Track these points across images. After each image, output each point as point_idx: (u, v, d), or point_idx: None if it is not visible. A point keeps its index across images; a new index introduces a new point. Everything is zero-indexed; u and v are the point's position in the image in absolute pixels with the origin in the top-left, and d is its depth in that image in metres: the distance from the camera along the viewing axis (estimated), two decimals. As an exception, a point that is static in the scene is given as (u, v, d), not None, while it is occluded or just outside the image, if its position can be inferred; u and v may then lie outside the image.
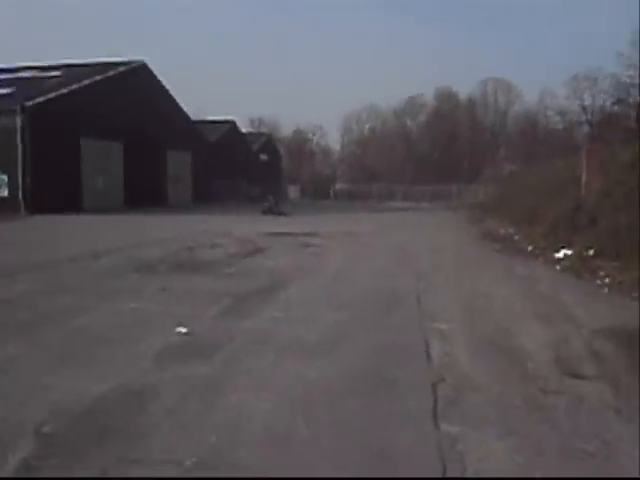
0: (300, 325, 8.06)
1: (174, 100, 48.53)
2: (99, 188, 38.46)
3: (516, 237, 21.43)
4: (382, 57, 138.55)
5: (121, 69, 42.18)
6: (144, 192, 42.61)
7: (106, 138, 38.88)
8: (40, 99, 33.52)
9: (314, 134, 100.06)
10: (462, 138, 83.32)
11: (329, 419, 4.95)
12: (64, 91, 35.94)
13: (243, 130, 73.79)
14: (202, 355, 6.65)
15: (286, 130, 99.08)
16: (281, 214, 34.60)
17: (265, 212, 35.32)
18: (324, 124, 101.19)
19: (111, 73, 40.89)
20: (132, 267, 13.04)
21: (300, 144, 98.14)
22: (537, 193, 27.16)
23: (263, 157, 72.93)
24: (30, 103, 32.72)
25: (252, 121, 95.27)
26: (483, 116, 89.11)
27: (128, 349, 6.86)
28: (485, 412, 5.16)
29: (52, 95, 34.62)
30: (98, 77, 39.50)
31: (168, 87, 47.49)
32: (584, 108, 72.92)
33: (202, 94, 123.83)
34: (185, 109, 50.80)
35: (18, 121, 32.19)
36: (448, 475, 4.10)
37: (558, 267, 14.52)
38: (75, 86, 37.14)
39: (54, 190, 33.46)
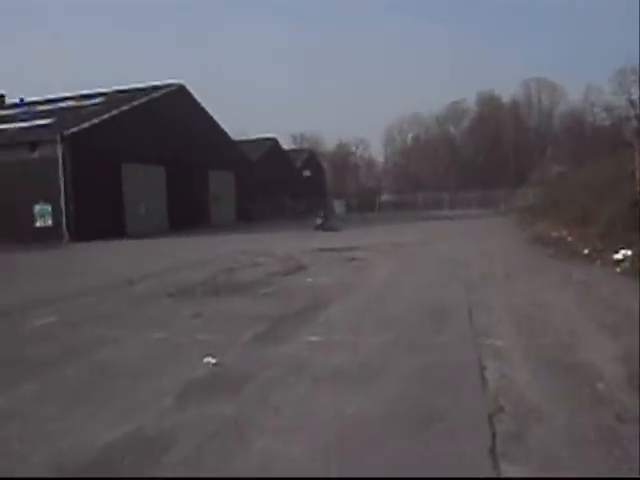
0: (339, 350, 7.36)
1: (214, 120, 48.49)
2: (141, 213, 38.42)
3: (569, 239, 20.37)
4: (422, 65, 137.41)
5: (159, 93, 42.28)
6: (187, 214, 42.50)
7: (147, 162, 38.86)
8: (79, 127, 33.61)
9: (357, 147, 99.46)
10: (507, 141, 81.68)
11: (368, 467, 4.23)
12: (103, 118, 36.06)
13: (285, 147, 73.62)
14: (229, 390, 6.00)
15: (328, 145, 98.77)
16: (332, 229, 33.63)
17: (317, 228, 34.45)
18: (366, 136, 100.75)
19: (149, 97, 41.01)
20: (167, 292, 12.50)
21: (343, 158, 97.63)
22: (588, 192, 26.00)
23: (306, 173, 72.50)
24: (69, 132, 32.81)
25: (294, 138, 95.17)
26: (527, 117, 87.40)
27: (150, 385, 6.25)
28: (553, 449, 4.37)
29: (91, 122, 34.72)
30: (136, 102, 39.63)
31: (208, 108, 47.55)
32: (632, 102, 70.81)
33: (243, 113, 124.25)
34: (226, 129, 50.78)
35: (58, 150, 32.32)
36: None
37: (618, 269, 13.54)
38: (114, 112, 37.30)
39: (97, 217, 33.47)
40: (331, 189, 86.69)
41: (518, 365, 6.44)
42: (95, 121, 35.33)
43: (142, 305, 11.26)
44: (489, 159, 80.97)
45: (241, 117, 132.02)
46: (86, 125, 34.29)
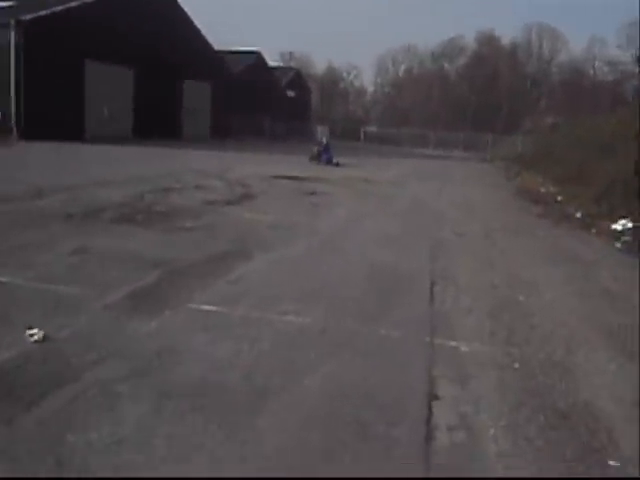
0: (233, 334, 5.07)
1: (194, 25, 44.77)
2: (104, 116, 35.32)
3: (559, 198, 18.19)
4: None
5: (137, -13, 38.62)
6: (156, 123, 39.33)
7: (115, 62, 35.55)
8: (37, 14, 30.13)
9: (349, 73, 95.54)
10: (502, 85, 78.36)
11: None
12: (68, 6, 32.55)
13: (271, 64, 69.67)
14: (26, 396, 3.70)
15: (319, 68, 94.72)
16: (330, 162, 27.10)
17: (312, 159, 27.73)
18: (359, 64, 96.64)
19: (125, -10, 37.37)
20: (67, 212, 10.06)
21: (333, 83, 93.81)
22: (586, 149, 23.74)
23: (290, 93, 68.81)
24: (26, 17, 29.36)
25: (283, 55, 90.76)
26: (525, 63, 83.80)
27: None
28: None
29: (52, 10, 31.18)
30: (110, -7, 36.06)
31: (190, 12, 43.86)
32: (638, 59, 67.62)
33: (230, 25, 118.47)
34: (210, 39, 47.17)
35: (12, 37, 28.99)
36: None
37: (618, 244, 11.35)
38: (81, 1, 33.72)
39: (52, 116, 30.19)
40: (317, 114, 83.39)
41: (494, 397, 4.22)
42: (58, 9, 31.82)
43: (23, 228, 8.81)
44: (482, 101, 77.68)
45: (228, 29, 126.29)
46: (47, 12, 30.78)
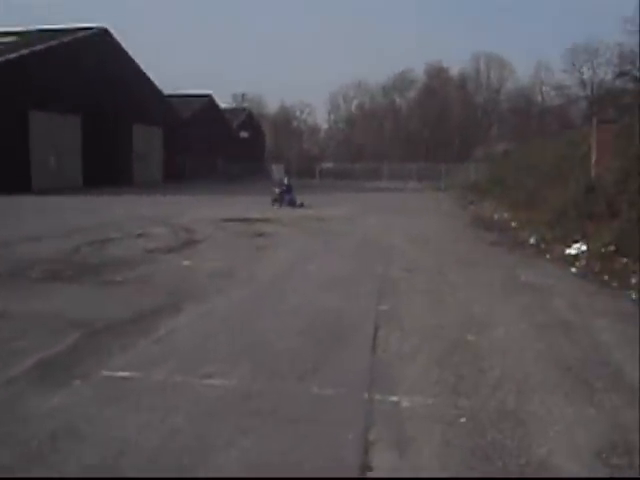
0: (146, 406, 4.49)
1: (140, 70, 44.44)
2: (51, 166, 34.58)
3: (513, 224, 17.97)
4: (370, 31, 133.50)
5: (79, 35, 38.18)
6: (105, 170, 38.73)
7: (61, 111, 34.94)
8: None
9: (302, 111, 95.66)
10: (453, 116, 79.07)
11: None
12: (9, 57, 31.98)
13: (223, 106, 69.45)
14: None
15: (271, 107, 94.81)
16: (293, 204, 25.03)
17: (275, 201, 25.44)
18: (311, 102, 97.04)
19: (68, 39, 36.91)
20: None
21: (286, 122, 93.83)
22: (535, 173, 23.70)
23: (243, 134, 68.68)
24: (-35, 68, 28.74)
25: (235, 97, 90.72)
26: (475, 93, 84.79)
27: None
28: None
29: (-4, 61, 30.58)
30: (53, 43, 35.56)
31: (136, 58, 43.52)
32: (583, 82, 68.96)
33: (179, 69, 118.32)
34: (159, 85, 46.79)
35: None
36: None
37: (573, 269, 11.01)
38: (24, 51, 33.18)
39: (-5, 168, 29.49)
40: (272, 153, 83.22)
41: (434, 472, 3.71)
42: (1, 59, 31.26)
43: None
44: (435, 133, 78.20)
45: (179, 74, 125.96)
46: (-12, 63, 30.21)
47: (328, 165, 74.40)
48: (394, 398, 4.72)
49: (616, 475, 3.47)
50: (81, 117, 36.98)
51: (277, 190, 25.82)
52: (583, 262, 11.46)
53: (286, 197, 25.41)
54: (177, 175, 48.04)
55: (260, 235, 15.03)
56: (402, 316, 7.26)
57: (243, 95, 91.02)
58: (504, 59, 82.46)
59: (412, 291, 8.82)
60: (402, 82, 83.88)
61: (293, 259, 11.67)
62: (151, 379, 5.03)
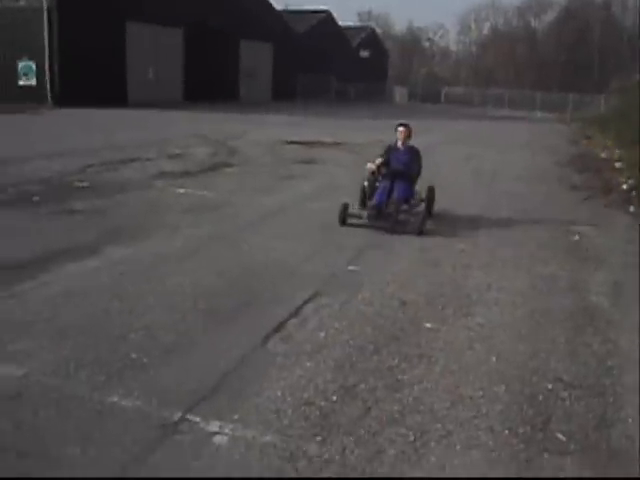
0: None
1: (252, -18, 42.56)
2: (150, 80, 33.84)
3: (617, 165, 15.43)
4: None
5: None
6: (209, 86, 37.51)
7: (161, 23, 33.85)
8: (71, -29, 28.69)
9: (435, 33, 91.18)
10: (594, 41, 72.74)
11: None
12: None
13: (346, 24, 66.48)
14: None
15: (399, 27, 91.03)
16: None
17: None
18: (443, 22, 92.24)
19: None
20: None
21: (414, 43, 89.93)
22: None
23: (364, 53, 65.63)
24: (58, -24, 27.96)
25: (361, 15, 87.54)
26: (620, 18, 77.43)
27: None
28: None
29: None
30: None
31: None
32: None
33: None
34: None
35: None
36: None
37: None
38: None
39: (90, 80, 28.76)
40: (397, 75, 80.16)
41: None
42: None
43: None
44: (571, 59, 72.36)
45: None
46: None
47: (455, 90, 70.79)
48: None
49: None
50: (183, 30, 35.81)
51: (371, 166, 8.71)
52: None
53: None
54: (288, 94, 46.48)
55: (307, 162, 13.45)
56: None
57: (369, 13, 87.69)
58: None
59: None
60: (539, 3, 77.73)
61: (310, 194, 10.00)
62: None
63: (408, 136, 8.34)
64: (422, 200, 8.36)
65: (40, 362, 3.77)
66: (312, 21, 54.00)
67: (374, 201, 7.82)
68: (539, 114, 49.89)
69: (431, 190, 8.52)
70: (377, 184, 8.09)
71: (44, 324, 4.32)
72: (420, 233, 7.46)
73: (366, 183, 8.29)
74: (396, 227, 7.58)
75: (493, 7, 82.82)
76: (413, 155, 8.28)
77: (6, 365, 3.72)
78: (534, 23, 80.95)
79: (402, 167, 8.06)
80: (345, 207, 7.78)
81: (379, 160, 8.11)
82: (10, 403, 3.29)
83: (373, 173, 8.14)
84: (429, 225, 7.88)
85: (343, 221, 7.69)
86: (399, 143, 8.35)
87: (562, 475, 3.01)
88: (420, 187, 8.41)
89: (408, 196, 8.05)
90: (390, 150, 8.34)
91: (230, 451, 2.98)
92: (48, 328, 4.26)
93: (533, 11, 79.51)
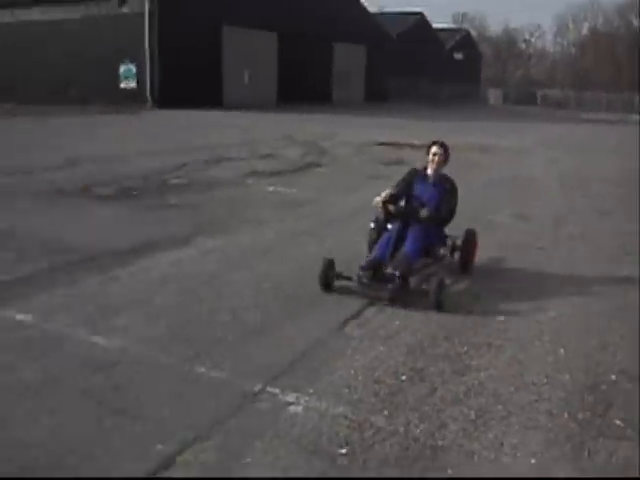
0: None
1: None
2: (244, 83, 34.76)
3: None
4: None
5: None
6: (303, 89, 38.22)
7: (256, 27, 34.67)
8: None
9: (531, 33, 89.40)
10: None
11: None
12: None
13: (440, 26, 66.20)
14: None
15: (494, 29, 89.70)
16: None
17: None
18: (539, 23, 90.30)
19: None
20: (56, 189, 9.16)
21: (510, 44, 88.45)
22: None
23: (457, 56, 65.30)
24: (158, -17, 29.18)
25: (455, 17, 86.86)
26: None
27: None
28: None
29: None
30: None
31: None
32: None
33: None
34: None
35: (146, 4, 28.91)
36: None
37: None
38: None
39: (188, 83, 29.98)
40: (491, 77, 79.16)
41: None
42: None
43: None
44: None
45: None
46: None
47: (550, 92, 69.27)
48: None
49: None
50: (277, 34, 36.54)
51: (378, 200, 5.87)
52: None
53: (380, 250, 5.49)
54: (380, 96, 46.71)
55: (395, 163, 13.61)
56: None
57: (463, 15, 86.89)
58: None
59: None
60: (642, 1, 74.95)
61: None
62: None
63: (444, 161, 5.84)
64: (455, 249, 5.91)
65: (136, 337, 4.19)
66: (406, 23, 54.15)
67: (372, 255, 5.36)
68: (637, 117, 48.09)
69: (470, 235, 5.99)
70: (389, 226, 5.61)
71: (141, 304, 4.77)
72: (439, 307, 4.93)
73: (372, 225, 5.88)
74: (400, 296, 5.01)
75: (592, 7, 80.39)
76: (446, 189, 5.77)
77: (107, 338, 4.15)
78: (636, 22, 78.18)
79: (426, 205, 5.56)
80: (329, 265, 5.24)
81: (387, 191, 5.68)
82: (110, 370, 3.69)
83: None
84: (464, 284, 5.71)
85: (327, 285, 5.21)
86: (429, 170, 5.84)
87: (614, 459, 3.11)
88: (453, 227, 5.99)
89: (430, 244, 5.59)
90: (414, 177, 5.89)
91: (304, 419, 3.27)
92: (145, 308, 4.70)
93: (635, 10, 76.75)
